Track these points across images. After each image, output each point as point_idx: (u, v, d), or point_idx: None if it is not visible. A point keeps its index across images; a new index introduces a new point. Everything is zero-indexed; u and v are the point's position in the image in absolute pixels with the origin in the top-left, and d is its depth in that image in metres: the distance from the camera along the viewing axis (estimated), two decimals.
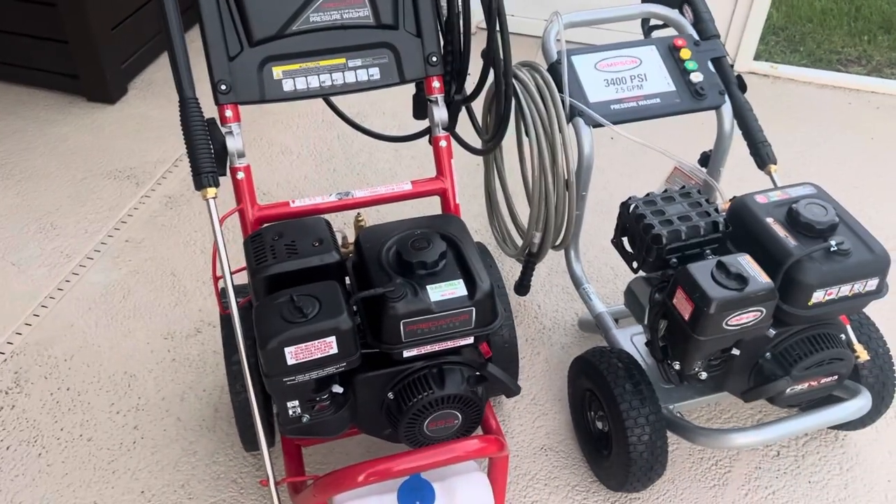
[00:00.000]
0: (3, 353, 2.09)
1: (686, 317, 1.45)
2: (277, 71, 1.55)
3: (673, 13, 2.03)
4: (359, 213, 1.81)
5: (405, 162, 2.83)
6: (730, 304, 1.40)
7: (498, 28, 1.54)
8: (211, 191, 1.42)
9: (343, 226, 2.37)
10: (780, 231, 1.51)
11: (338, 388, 1.45)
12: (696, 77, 1.87)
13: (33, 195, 2.63)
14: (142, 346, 2.12)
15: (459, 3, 1.59)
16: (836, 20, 3.86)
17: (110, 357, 2.09)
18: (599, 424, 1.75)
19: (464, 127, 1.81)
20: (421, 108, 1.79)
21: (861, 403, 1.66)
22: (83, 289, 2.29)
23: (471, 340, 1.46)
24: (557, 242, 1.97)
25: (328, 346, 1.34)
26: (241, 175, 1.57)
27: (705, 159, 2.00)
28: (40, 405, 1.96)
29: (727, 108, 1.88)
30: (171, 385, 2.02)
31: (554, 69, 1.86)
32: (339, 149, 2.89)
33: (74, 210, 2.58)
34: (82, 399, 1.98)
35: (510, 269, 2.37)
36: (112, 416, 1.94)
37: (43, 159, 2.79)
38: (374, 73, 1.60)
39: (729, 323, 1.42)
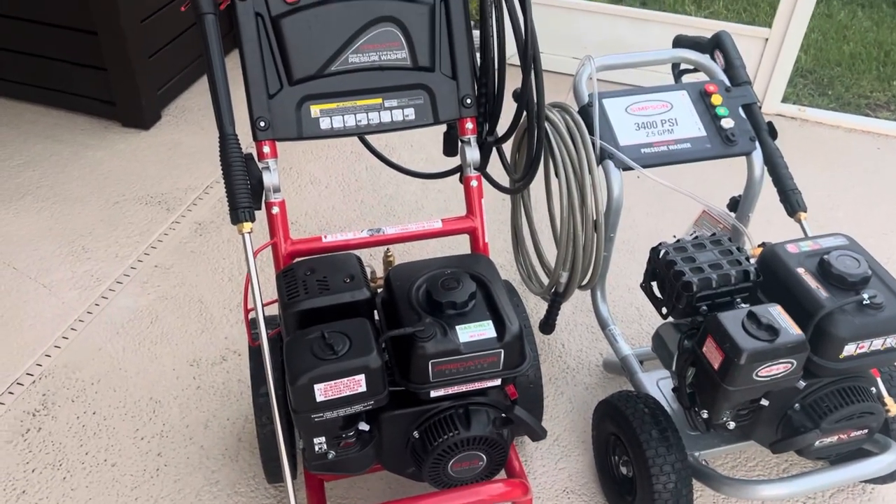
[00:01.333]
0: (31, 375, 2.12)
1: (716, 366, 1.45)
2: (315, 109, 1.58)
3: (704, 58, 2.04)
4: (388, 249, 1.83)
5: (432, 195, 2.85)
6: (760, 355, 1.39)
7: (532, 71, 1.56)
8: (247, 225, 1.45)
9: (370, 259, 2.39)
10: (812, 282, 1.50)
11: (364, 426, 1.45)
12: (727, 123, 1.88)
13: (67, 218, 2.68)
14: (168, 372, 2.14)
15: (495, 48, 1.62)
16: (865, 65, 3.86)
17: (136, 382, 2.11)
18: (624, 470, 1.74)
19: (492, 164, 1.83)
20: (451, 145, 1.81)
21: (892, 458, 1.63)
22: (112, 313, 2.32)
23: (498, 382, 1.47)
24: (584, 282, 1.97)
25: (357, 384, 1.35)
26: (275, 210, 1.59)
27: (734, 204, 2.00)
28: (66, 428, 1.98)
29: (758, 155, 1.88)
30: (196, 412, 2.03)
31: (585, 111, 1.88)
32: (367, 180, 2.92)
33: (106, 234, 2.62)
34: (108, 424, 2.00)
35: (534, 307, 2.38)
36: (136, 442, 1.96)
37: (77, 183, 2.85)
38: (410, 113, 1.62)
39: (759, 374, 1.41)
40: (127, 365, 2.16)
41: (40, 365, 2.15)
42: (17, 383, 2.10)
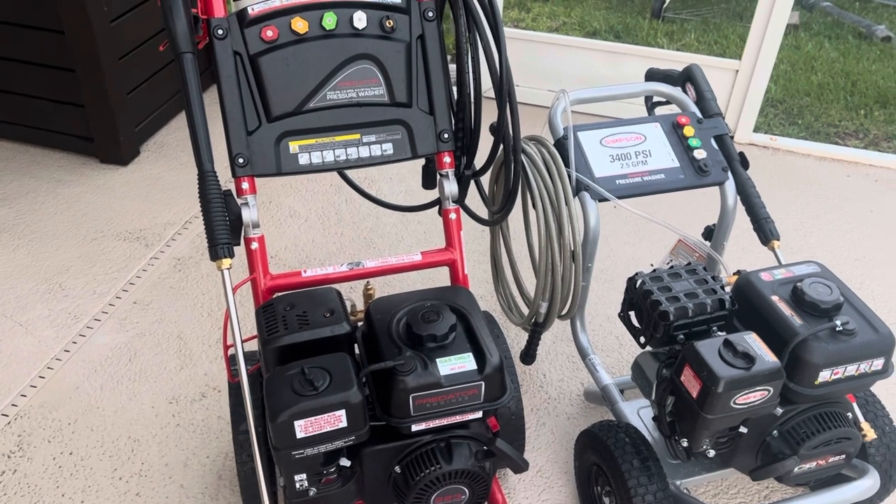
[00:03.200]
0: (6, 416, 2.09)
1: (694, 394, 1.46)
2: (294, 145, 1.59)
3: (676, 91, 2.09)
4: (368, 282, 1.83)
5: (412, 227, 2.87)
6: (737, 383, 1.40)
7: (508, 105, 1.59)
8: (226, 262, 1.45)
9: (351, 292, 2.39)
10: (786, 310, 1.53)
11: (345, 462, 1.44)
12: (700, 154, 1.92)
13: (44, 255, 2.66)
14: (146, 410, 2.12)
15: (471, 84, 1.64)
16: (833, 94, 3.96)
17: (114, 421, 2.08)
18: (606, 500, 1.74)
19: (471, 195, 1.85)
20: (430, 178, 1.83)
21: (869, 483, 1.65)
22: (90, 351, 2.30)
23: (479, 415, 1.47)
24: (563, 312, 1.99)
25: (338, 419, 1.34)
26: (255, 245, 1.60)
27: (709, 233, 2.04)
28: (42, 470, 1.95)
29: (730, 185, 1.92)
30: (175, 451, 2.01)
31: (560, 144, 1.91)
32: (347, 213, 2.93)
33: (84, 271, 2.60)
34: (85, 464, 1.97)
35: (514, 338, 2.38)
36: (115, 482, 1.92)
37: (54, 220, 2.83)
38: (388, 148, 1.64)
39: (736, 402, 1.43)
40: (105, 404, 2.13)
41: (16, 405, 2.12)
42: None
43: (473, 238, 2.72)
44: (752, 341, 1.46)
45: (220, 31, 1.54)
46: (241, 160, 1.56)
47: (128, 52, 3.02)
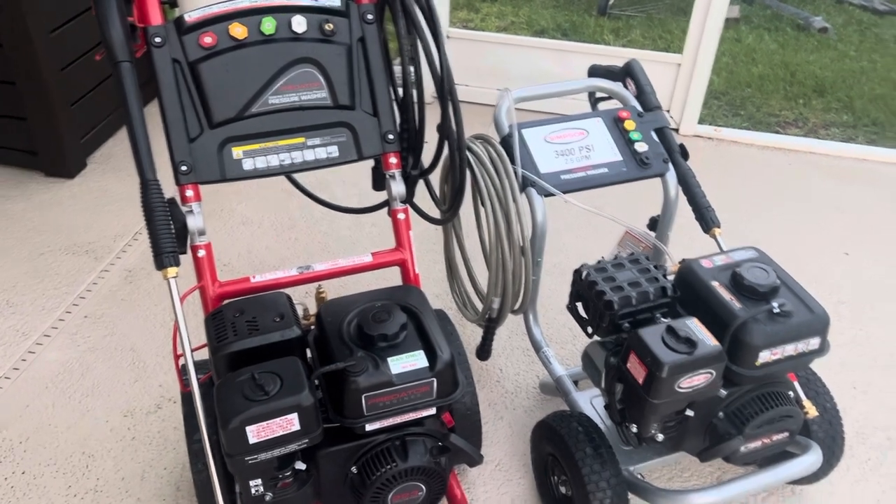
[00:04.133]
0: None
1: (640, 381, 1.50)
2: (237, 151, 1.59)
3: (616, 86, 2.13)
4: (320, 285, 1.83)
5: (366, 230, 2.87)
6: (681, 367, 1.45)
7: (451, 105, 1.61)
8: (171, 271, 1.44)
9: (305, 296, 2.39)
10: (726, 294, 1.58)
11: (300, 465, 1.45)
12: (641, 147, 1.97)
13: None
14: (101, 424, 2.09)
15: (413, 84, 1.66)
16: (773, 85, 4.08)
17: (67, 438, 2.05)
18: (563, 489, 1.77)
19: (422, 196, 1.87)
20: (379, 180, 1.84)
21: (813, 458, 1.71)
22: (40, 368, 2.25)
23: (433, 411, 1.49)
24: (516, 307, 2.02)
25: (290, 423, 1.35)
26: (202, 253, 1.59)
27: (654, 224, 2.08)
28: None
29: (671, 176, 1.97)
30: (131, 464, 1.98)
31: (506, 142, 1.94)
32: (300, 218, 2.92)
33: (31, 287, 2.55)
34: (38, 483, 1.93)
35: (471, 335, 2.41)
36: (69, 500, 1.89)
37: None
38: (333, 150, 1.65)
39: (681, 385, 1.47)
40: (57, 420, 2.10)
41: None
42: None
43: (428, 238, 2.74)
44: (694, 326, 1.51)
45: (158, 39, 1.53)
46: (184, 168, 1.55)
47: (70, 63, 2.97)
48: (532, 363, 2.32)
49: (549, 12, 4.93)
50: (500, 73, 3.65)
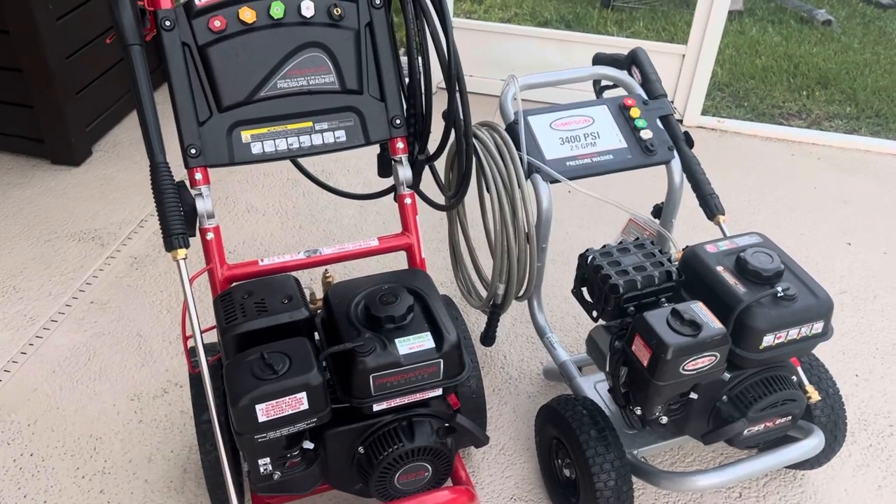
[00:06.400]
0: None
1: (645, 363, 1.51)
2: (246, 135, 1.60)
3: (622, 74, 2.14)
4: (326, 270, 1.85)
5: (370, 217, 2.89)
6: (685, 349, 1.46)
7: (457, 91, 1.62)
8: (181, 252, 1.46)
9: (311, 282, 2.40)
10: (730, 279, 1.59)
11: (308, 444, 1.47)
12: (646, 134, 1.98)
13: None
14: (108, 408, 2.10)
15: (421, 69, 1.67)
16: (777, 77, 4.08)
17: (75, 420, 2.07)
18: (567, 472, 1.79)
19: (427, 183, 1.88)
20: (385, 166, 1.85)
21: (815, 442, 1.72)
22: (47, 352, 2.27)
23: (439, 392, 1.50)
24: (520, 293, 2.03)
25: (299, 402, 1.36)
26: (210, 236, 1.60)
27: (658, 211, 2.09)
28: (2, 472, 1.93)
29: (676, 163, 1.98)
30: (139, 447, 2.00)
31: (512, 129, 1.95)
32: (305, 206, 2.94)
33: (38, 273, 2.56)
34: (46, 464, 1.95)
35: (476, 321, 2.42)
36: (77, 481, 1.91)
37: (6, 223, 2.78)
38: (341, 135, 1.66)
39: (685, 368, 1.48)
40: (65, 404, 2.11)
41: None
42: None
43: (432, 226, 2.75)
44: (699, 309, 1.52)
45: (168, 23, 1.54)
46: (193, 151, 1.57)
47: (75, 51, 2.98)
48: (536, 350, 2.34)
49: (552, 4, 4.93)
50: (502, 63, 3.66)
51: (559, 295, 2.53)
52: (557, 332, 2.39)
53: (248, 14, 1.57)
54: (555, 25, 4.64)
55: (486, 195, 1.94)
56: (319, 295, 1.71)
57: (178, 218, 1.46)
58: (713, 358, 1.50)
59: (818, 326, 1.58)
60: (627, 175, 1.97)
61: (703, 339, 1.47)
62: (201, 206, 1.57)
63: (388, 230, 2.82)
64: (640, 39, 4.25)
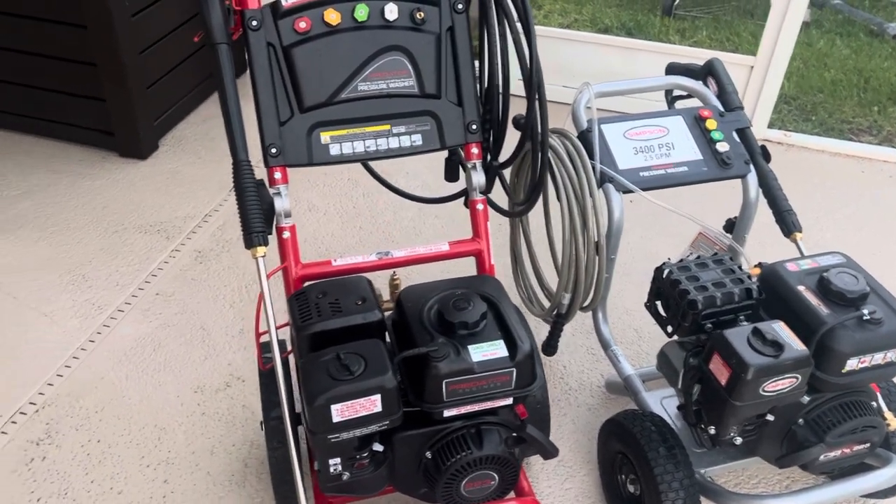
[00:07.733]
0: (34, 404, 2.11)
1: (723, 382, 1.48)
2: (325, 136, 1.61)
3: (698, 85, 2.10)
4: (394, 273, 1.85)
5: (429, 221, 2.89)
6: (767, 370, 1.42)
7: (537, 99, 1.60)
8: (261, 250, 1.47)
9: (376, 283, 2.41)
10: (813, 299, 1.54)
11: (378, 447, 1.47)
12: (723, 147, 1.94)
13: (66, 247, 2.68)
14: (172, 399, 2.14)
15: (500, 75, 1.66)
16: (847, 91, 3.97)
17: (140, 410, 2.11)
18: (631, 488, 1.76)
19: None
20: (453, 171, 1.85)
21: (892, 472, 1.67)
22: (114, 341, 2.32)
23: (510, 401, 1.49)
24: (586, 304, 2.00)
25: (373, 404, 1.36)
26: (287, 234, 1.62)
27: (730, 226, 2.05)
28: (71, 457, 1.97)
29: (752, 178, 1.94)
30: (201, 439, 2.03)
31: (584, 137, 1.93)
32: (365, 207, 2.95)
33: (106, 263, 2.62)
34: (113, 452, 1.99)
35: (533, 328, 2.39)
36: (142, 470, 1.95)
37: (75, 213, 2.85)
38: (417, 139, 1.66)
39: (765, 389, 1.45)
40: (130, 393, 2.16)
41: (43, 394, 2.14)
42: (21, 412, 2.09)
43: (491, 233, 2.73)
44: (781, 330, 1.48)
45: (254, 23, 1.56)
46: (273, 150, 1.58)
47: (148, 47, 3.05)
48: (596, 361, 2.31)
49: (612, 11, 4.88)
50: (565, 69, 3.62)
51: (620, 307, 2.49)
52: (619, 344, 2.34)
53: (332, 16, 1.58)
54: (615, 33, 4.59)
55: (554, 203, 1.92)
56: (385, 296, 1.71)
57: (259, 216, 1.48)
58: (794, 380, 1.46)
59: None
60: (696, 186, 1.93)
61: (785, 361, 1.43)
62: (279, 204, 1.59)
63: (446, 234, 2.80)
64: (705, 49, 4.17)
